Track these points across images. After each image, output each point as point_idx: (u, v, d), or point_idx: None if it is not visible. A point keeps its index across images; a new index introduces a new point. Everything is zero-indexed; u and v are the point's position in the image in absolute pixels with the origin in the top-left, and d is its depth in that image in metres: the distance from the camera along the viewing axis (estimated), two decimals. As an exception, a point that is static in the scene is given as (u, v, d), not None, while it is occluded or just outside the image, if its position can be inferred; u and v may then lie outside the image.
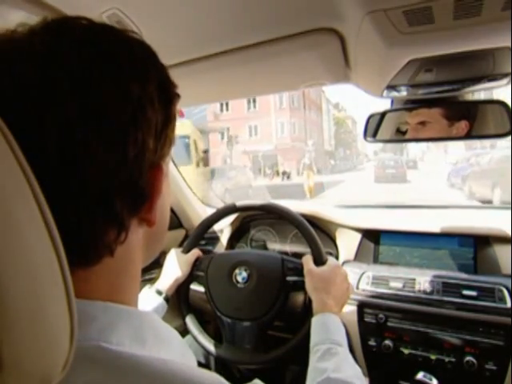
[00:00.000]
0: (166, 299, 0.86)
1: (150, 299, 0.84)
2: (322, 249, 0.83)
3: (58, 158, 0.24)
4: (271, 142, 27.78)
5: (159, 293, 0.86)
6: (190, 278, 0.95)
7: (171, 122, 0.31)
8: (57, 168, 0.24)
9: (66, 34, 0.27)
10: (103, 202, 0.27)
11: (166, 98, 0.30)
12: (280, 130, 28.22)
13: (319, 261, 0.81)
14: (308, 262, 0.81)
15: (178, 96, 0.33)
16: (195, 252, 0.97)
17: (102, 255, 0.28)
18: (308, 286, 0.77)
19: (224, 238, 1.28)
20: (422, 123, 0.77)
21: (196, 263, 0.95)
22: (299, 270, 0.82)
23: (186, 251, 0.96)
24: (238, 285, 0.88)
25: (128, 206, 0.28)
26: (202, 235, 1.00)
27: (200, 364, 1.06)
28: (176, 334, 0.33)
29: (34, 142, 0.23)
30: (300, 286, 0.81)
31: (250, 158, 26.95)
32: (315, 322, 0.68)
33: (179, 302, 0.94)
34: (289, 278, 0.85)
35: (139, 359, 0.25)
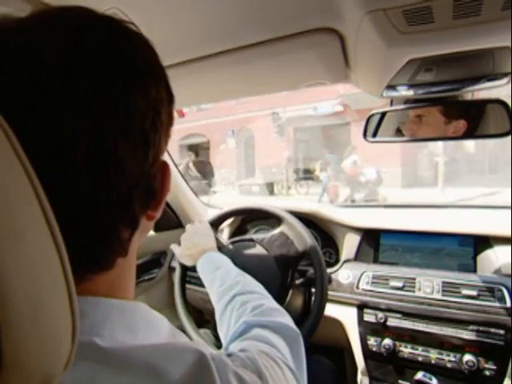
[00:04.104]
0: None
1: None
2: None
3: (87, 168, 0.23)
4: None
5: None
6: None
7: (173, 119, 0.32)
8: (84, 179, 0.24)
9: (85, 33, 0.26)
10: (125, 207, 0.27)
11: (169, 98, 0.31)
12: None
13: None
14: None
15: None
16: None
17: (116, 258, 0.28)
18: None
19: (224, 238, 1.28)
20: (419, 116, 0.77)
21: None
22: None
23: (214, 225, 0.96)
24: None
25: (142, 206, 0.29)
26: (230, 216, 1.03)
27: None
28: (163, 317, 0.33)
29: (61, 150, 0.23)
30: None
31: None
32: (199, 271, 0.75)
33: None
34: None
35: (129, 351, 0.25)
